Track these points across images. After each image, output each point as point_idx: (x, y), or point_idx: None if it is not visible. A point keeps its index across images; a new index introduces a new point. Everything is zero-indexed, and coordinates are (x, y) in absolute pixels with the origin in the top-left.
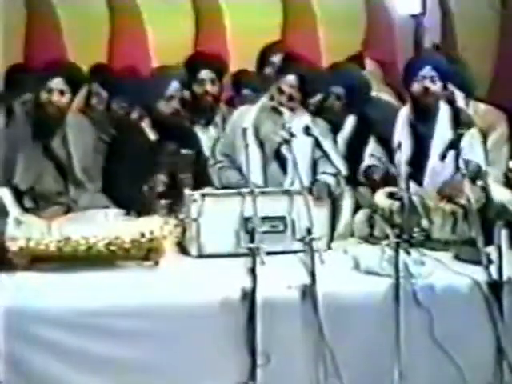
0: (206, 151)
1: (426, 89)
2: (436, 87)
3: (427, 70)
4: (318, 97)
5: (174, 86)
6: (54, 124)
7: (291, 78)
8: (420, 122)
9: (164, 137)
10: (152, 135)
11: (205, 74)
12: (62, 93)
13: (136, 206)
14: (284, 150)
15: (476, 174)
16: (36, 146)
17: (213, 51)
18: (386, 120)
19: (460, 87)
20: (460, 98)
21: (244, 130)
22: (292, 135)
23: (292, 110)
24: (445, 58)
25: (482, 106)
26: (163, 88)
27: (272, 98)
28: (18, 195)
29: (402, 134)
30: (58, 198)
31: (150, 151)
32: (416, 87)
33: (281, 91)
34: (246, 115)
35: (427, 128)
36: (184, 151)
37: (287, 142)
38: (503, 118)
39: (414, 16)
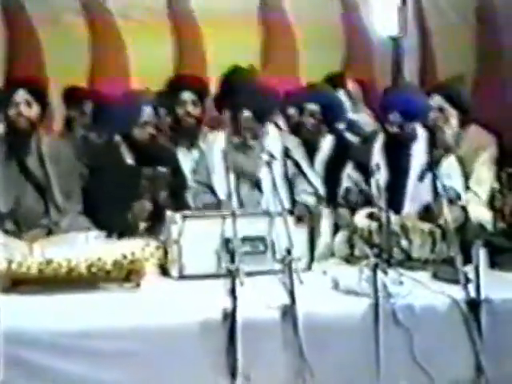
0: (188, 172)
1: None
2: (403, 130)
3: (393, 117)
4: (294, 119)
5: (147, 111)
6: (27, 139)
7: (247, 115)
8: (396, 148)
9: (141, 160)
10: (129, 159)
11: (186, 95)
12: (28, 104)
13: (117, 228)
14: (258, 172)
15: (454, 200)
16: (11, 164)
17: (194, 73)
18: (364, 143)
19: (456, 106)
20: (453, 117)
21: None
22: (273, 157)
23: (256, 137)
24: (418, 95)
25: (473, 127)
26: (136, 114)
27: (236, 131)
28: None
29: (379, 157)
30: (40, 220)
31: (129, 174)
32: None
33: (242, 127)
34: (215, 141)
35: (404, 152)
36: (160, 169)
37: (268, 164)
38: (493, 140)
39: (392, 37)
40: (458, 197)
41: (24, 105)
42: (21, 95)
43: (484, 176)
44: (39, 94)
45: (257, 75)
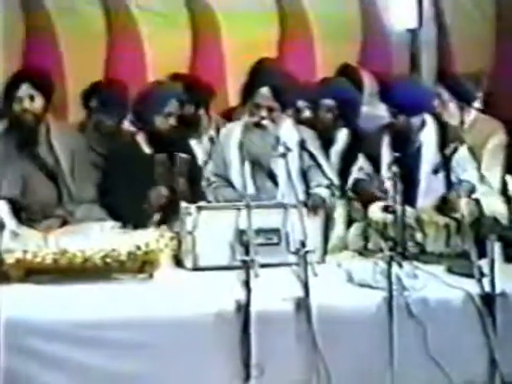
0: (201, 163)
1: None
2: (397, 120)
3: (392, 108)
4: (307, 112)
5: (174, 103)
6: (34, 132)
7: (264, 90)
8: (402, 142)
9: (159, 150)
10: (147, 149)
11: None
12: (32, 98)
13: (132, 219)
14: (273, 164)
15: (469, 193)
16: (23, 156)
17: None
18: (374, 137)
19: (458, 98)
20: (453, 107)
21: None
22: (288, 149)
23: (273, 121)
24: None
25: (481, 116)
26: (162, 104)
27: (252, 114)
28: (15, 207)
29: (388, 150)
30: (54, 209)
31: (145, 164)
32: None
33: (258, 106)
34: (232, 133)
35: (411, 147)
36: (181, 155)
37: (283, 155)
38: (501, 127)
39: (410, 30)
40: (473, 189)
41: (27, 99)
42: (24, 90)
43: (493, 162)
44: (43, 87)
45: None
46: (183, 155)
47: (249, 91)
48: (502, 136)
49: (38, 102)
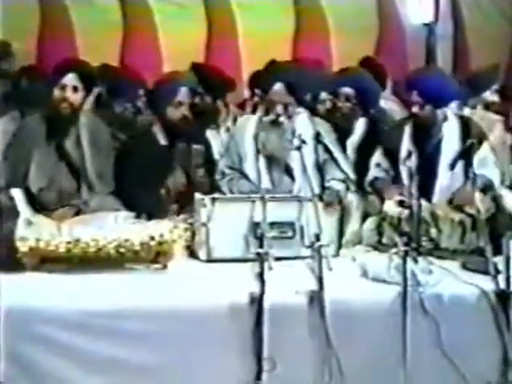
0: (216, 154)
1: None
2: (423, 111)
3: (414, 96)
4: (328, 104)
5: (183, 92)
6: (67, 122)
7: (278, 86)
8: (426, 135)
9: (174, 140)
10: (163, 140)
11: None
12: (75, 89)
13: (147, 209)
14: (289, 158)
15: (487, 188)
16: (49, 146)
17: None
18: (394, 131)
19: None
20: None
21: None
22: (303, 142)
23: (290, 117)
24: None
25: (478, 112)
26: (172, 94)
27: (267, 111)
28: (30, 196)
29: (409, 144)
30: (70, 199)
31: (162, 154)
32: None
33: (273, 102)
34: (246, 126)
35: (432, 140)
36: (195, 146)
37: (299, 148)
38: (499, 120)
39: (426, 24)
40: (491, 185)
41: (70, 89)
42: (69, 79)
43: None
44: (88, 80)
45: None
46: (198, 146)
47: (261, 87)
48: (498, 132)
49: (80, 94)
